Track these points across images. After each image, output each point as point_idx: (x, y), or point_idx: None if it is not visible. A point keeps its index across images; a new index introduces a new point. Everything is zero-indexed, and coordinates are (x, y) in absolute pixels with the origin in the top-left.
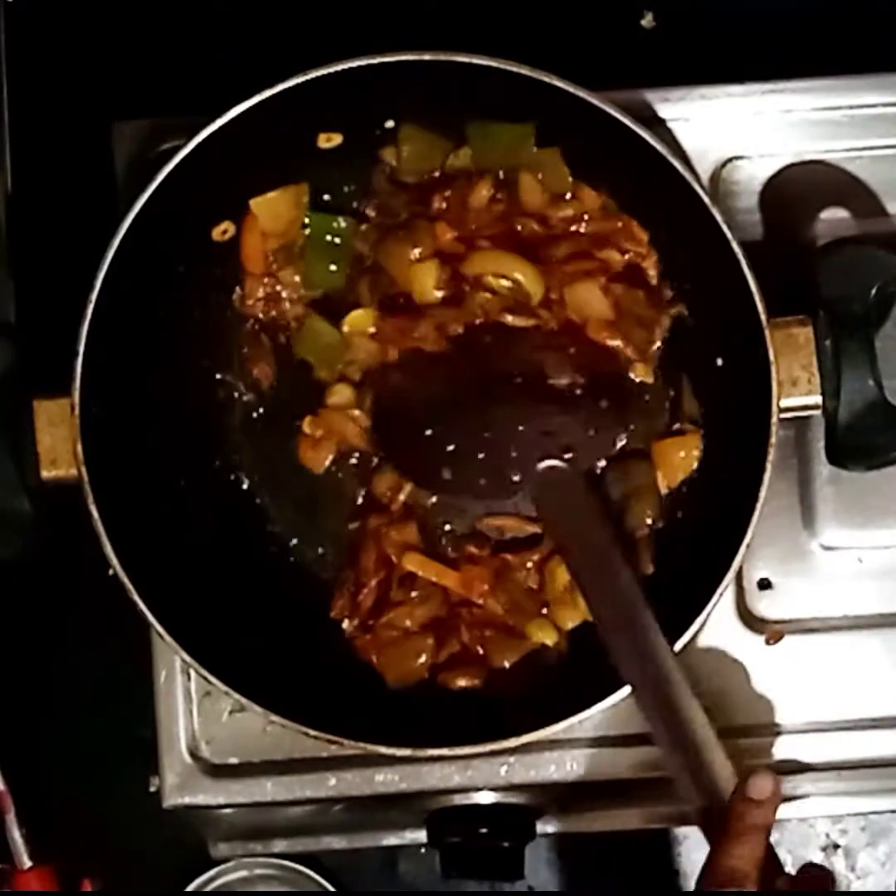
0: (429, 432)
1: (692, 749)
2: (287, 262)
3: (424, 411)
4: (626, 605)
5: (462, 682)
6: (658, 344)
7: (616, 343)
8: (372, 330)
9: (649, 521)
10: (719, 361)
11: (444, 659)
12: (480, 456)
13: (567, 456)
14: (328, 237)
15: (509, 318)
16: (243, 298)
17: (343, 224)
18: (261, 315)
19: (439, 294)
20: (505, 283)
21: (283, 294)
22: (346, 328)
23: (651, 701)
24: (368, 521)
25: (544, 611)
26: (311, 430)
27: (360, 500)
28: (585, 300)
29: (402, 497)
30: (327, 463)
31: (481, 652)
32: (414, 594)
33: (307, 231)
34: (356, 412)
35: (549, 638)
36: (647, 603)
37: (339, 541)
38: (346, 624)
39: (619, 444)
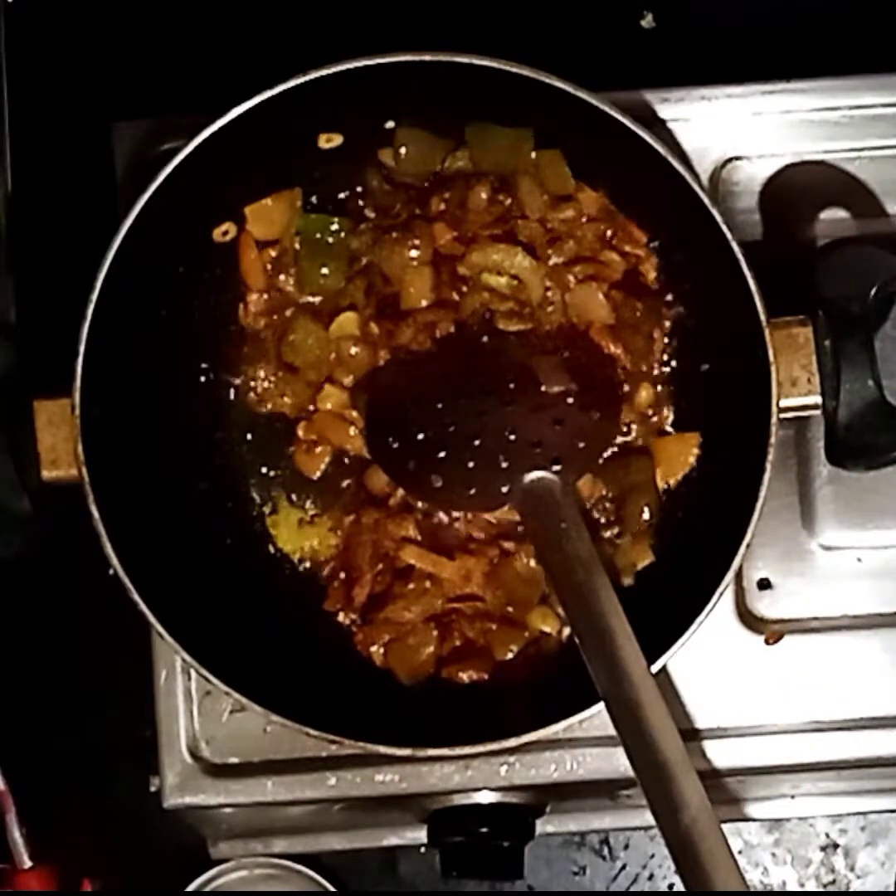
0: (420, 437)
1: (662, 772)
2: (284, 267)
3: (417, 414)
4: (603, 620)
5: (468, 676)
6: (658, 356)
7: (616, 351)
8: (358, 333)
9: (647, 516)
10: (718, 362)
11: (448, 652)
12: (470, 465)
13: (555, 468)
14: (323, 238)
15: (502, 325)
16: (245, 312)
17: (338, 225)
18: (263, 323)
19: (426, 301)
20: (504, 280)
21: (282, 299)
22: (333, 331)
23: (623, 719)
24: (365, 515)
25: (544, 599)
26: (305, 435)
27: (357, 495)
28: (587, 304)
29: (400, 491)
30: (323, 467)
31: (484, 644)
32: (411, 586)
33: (301, 233)
34: (353, 413)
35: (549, 625)
36: (625, 621)
37: (337, 536)
38: (341, 616)
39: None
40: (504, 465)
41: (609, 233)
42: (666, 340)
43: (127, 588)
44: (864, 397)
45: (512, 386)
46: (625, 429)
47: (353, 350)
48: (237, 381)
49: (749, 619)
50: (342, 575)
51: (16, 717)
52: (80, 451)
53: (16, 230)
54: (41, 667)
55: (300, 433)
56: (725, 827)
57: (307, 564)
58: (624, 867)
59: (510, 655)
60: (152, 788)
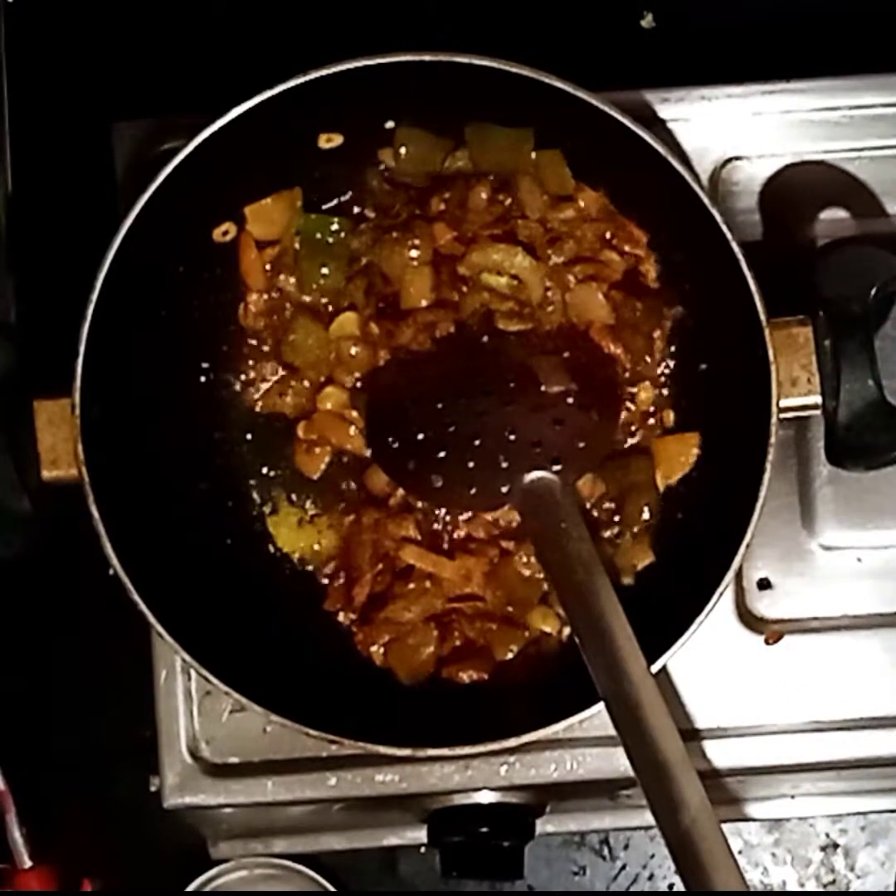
0: (421, 436)
1: (661, 771)
2: (284, 267)
3: (417, 414)
4: (603, 620)
5: (468, 676)
6: (658, 356)
7: (616, 350)
8: (358, 333)
9: (647, 516)
10: (718, 362)
11: (448, 652)
12: (470, 464)
13: (555, 468)
14: (323, 238)
15: (502, 325)
16: (245, 312)
17: (338, 225)
18: (263, 324)
19: (426, 301)
20: (504, 280)
21: (282, 299)
22: (333, 331)
23: (623, 719)
24: (365, 515)
25: (544, 599)
26: (304, 435)
27: (357, 495)
28: (587, 304)
29: (400, 491)
30: (323, 467)
31: (484, 644)
32: (411, 586)
33: (301, 233)
34: (353, 413)
35: (549, 625)
36: (625, 621)
37: (338, 536)
38: (341, 616)
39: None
40: (504, 464)
41: (609, 233)
42: (666, 340)
43: (127, 588)
44: (864, 397)
45: (512, 386)
46: (625, 429)
47: (353, 350)
48: (237, 381)
49: (749, 619)
50: (342, 575)
51: (16, 717)
52: (80, 451)
53: (16, 230)
54: (41, 667)
55: (300, 433)
56: (725, 827)
57: (307, 564)
58: (624, 867)
59: (510, 655)
60: (152, 788)
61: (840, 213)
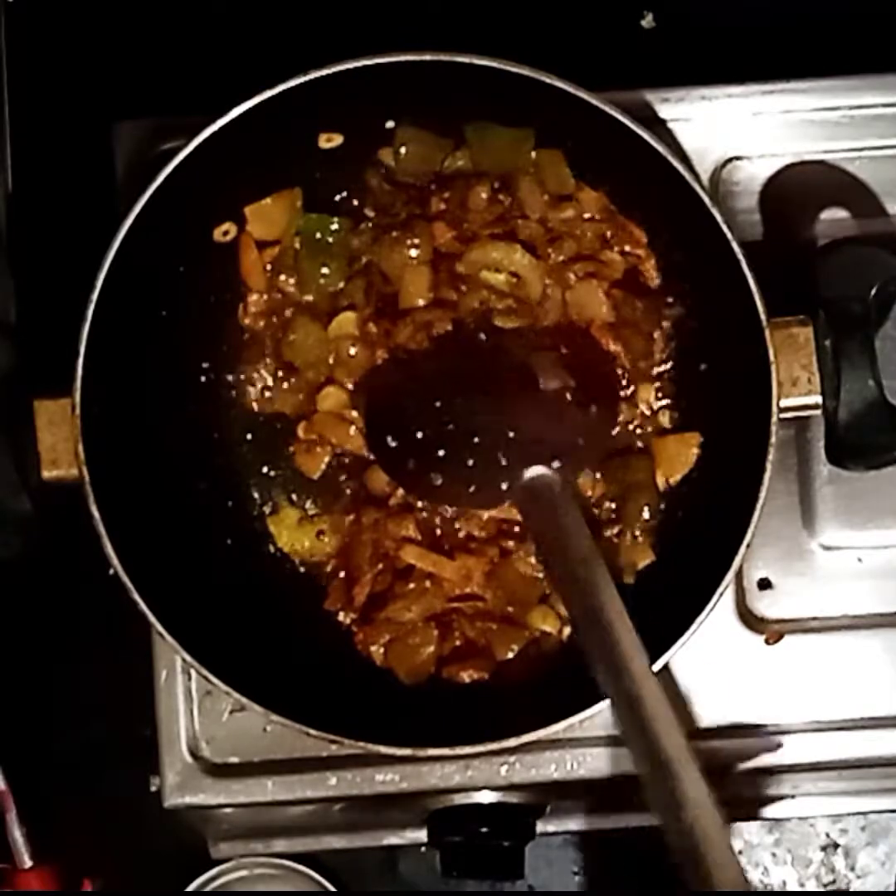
0: (420, 435)
1: (664, 767)
2: (284, 267)
3: (416, 413)
4: (604, 615)
5: (469, 676)
6: (658, 356)
7: (616, 349)
8: (356, 333)
9: (647, 516)
10: (718, 362)
11: (448, 652)
12: (470, 462)
13: (555, 465)
14: (323, 238)
15: (499, 322)
16: (245, 312)
17: (338, 225)
18: (263, 324)
19: (424, 300)
20: (503, 277)
21: (282, 299)
22: (332, 331)
23: (625, 715)
24: (365, 515)
25: (544, 598)
26: (304, 435)
27: (357, 495)
28: (587, 301)
29: (400, 491)
30: (323, 467)
31: (485, 644)
32: (412, 586)
33: (301, 233)
34: (352, 413)
35: (550, 625)
36: (627, 616)
37: (338, 536)
38: (341, 616)
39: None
40: (503, 462)
41: (609, 233)
42: (666, 340)
43: (127, 588)
44: (865, 397)
45: (510, 383)
46: (625, 428)
47: (352, 350)
48: (237, 381)
49: (749, 619)
50: (342, 575)
51: (16, 717)
52: (81, 451)
53: (16, 230)
54: (41, 666)
55: (300, 433)
56: None
57: (307, 564)
58: (624, 867)
59: (511, 655)
60: (152, 788)
61: (840, 213)
